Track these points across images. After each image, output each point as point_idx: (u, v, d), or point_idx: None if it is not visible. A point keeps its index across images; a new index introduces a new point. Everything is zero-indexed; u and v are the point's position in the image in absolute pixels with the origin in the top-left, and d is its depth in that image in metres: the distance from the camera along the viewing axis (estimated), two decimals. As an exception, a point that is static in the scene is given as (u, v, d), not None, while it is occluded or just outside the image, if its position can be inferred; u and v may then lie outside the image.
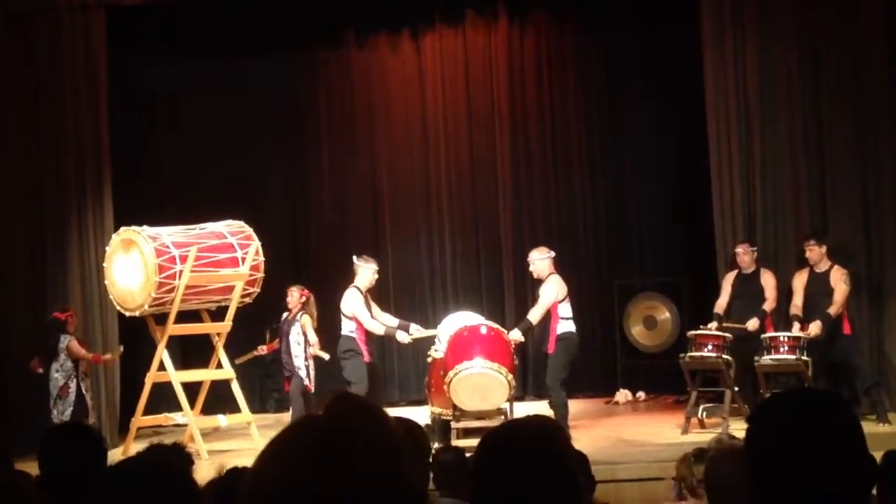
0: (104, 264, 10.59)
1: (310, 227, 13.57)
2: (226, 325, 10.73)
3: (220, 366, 10.81)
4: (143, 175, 12.86)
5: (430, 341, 10.22)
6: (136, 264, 10.22)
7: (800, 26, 10.81)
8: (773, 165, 10.81)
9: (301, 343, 10.35)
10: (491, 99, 13.30)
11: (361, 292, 10.09)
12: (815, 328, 9.78)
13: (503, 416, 9.37)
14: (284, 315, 10.63)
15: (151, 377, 10.51)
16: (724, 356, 9.80)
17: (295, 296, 10.52)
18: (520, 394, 11.58)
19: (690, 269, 12.75)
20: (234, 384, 10.74)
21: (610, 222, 13.39)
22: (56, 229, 11.37)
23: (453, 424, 9.54)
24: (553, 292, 9.85)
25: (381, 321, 10.21)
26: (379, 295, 11.01)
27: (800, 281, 10.25)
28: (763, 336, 9.91)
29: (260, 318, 11.64)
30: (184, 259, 10.20)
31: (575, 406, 10.80)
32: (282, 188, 13.49)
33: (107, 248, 10.61)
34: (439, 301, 13.15)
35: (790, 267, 10.56)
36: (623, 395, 12.69)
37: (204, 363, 10.98)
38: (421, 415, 9.67)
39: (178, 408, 10.48)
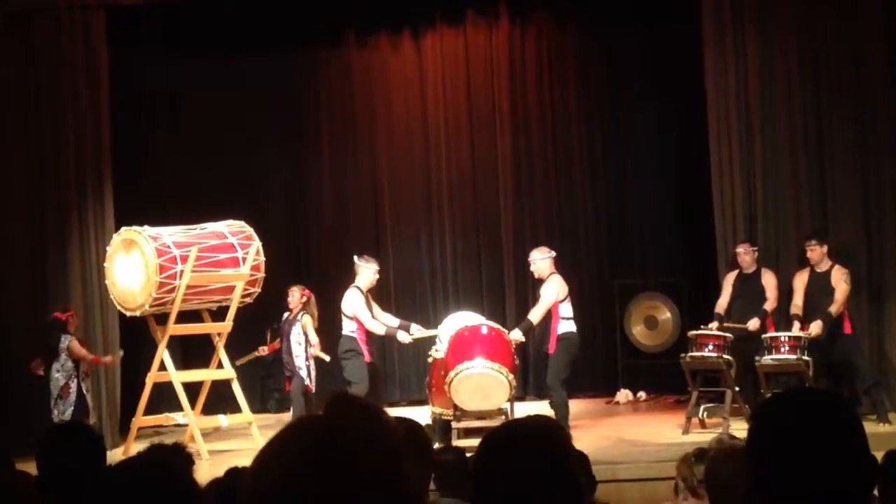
0: (105, 264, 10.59)
1: (310, 227, 13.57)
2: (226, 325, 10.73)
3: (220, 366, 10.81)
4: (143, 175, 12.85)
5: (430, 341, 10.22)
6: (136, 264, 10.22)
7: (800, 26, 10.81)
8: (774, 165, 10.81)
9: (302, 343, 10.35)
10: (492, 99, 13.30)
11: (362, 292, 10.09)
12: (815, 327, 9.78)
13: (504, 417, 9.37)
14: (285, 315, 10.63)
15: (152, 377, 10.51)
16: (725, 356, 9.80)
17: (296, 296, 10.52)
18: (520, 394, 11.58)
19: (691, 269, 12.75)
20: (235, 384, 10.74)
21: (611, 222, 13.39)
22: (57, 229, 11.36)
23: (454, 424, 9.54)
24: (554, 292, 9.85)
25: (382, 321, 10.20)
26: (380, 295, 11.01)
27: (800, 280, 10.25)
28: (764, 336, 9.91)
29: (261, 318, 11.64)
30: (185, 259, 10.20)
31: (576, 406, 10.81)
32: (282, 188, 13.49)
33: (107, 248, 10.61)
34: (440, 301, 13.16)
35: (791, 267, 10.56)
36: (624, 395, 12.68)
37: (205, 363, 10.98)
38: (422, 415, 9.66)
39: (179, 408, 10.48)
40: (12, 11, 11.40)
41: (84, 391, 10.27)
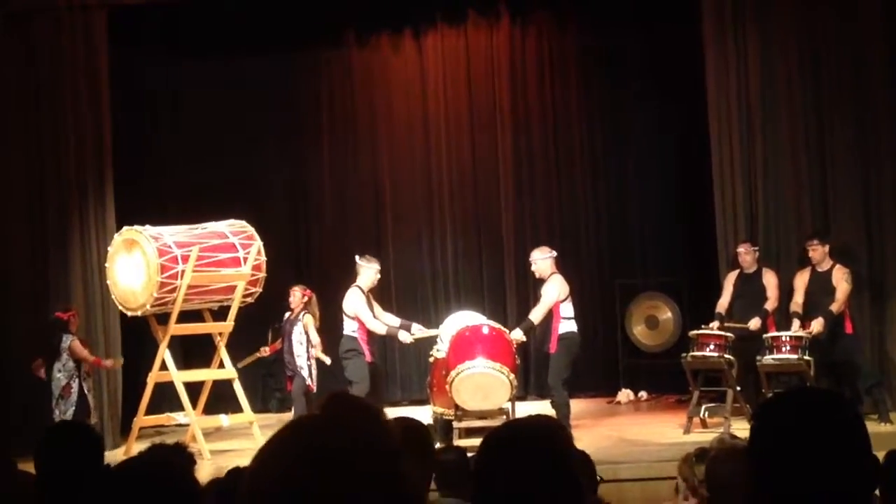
0: (106, 264, 10.59)
1: (311, 226, 13.57)
2: (228, 325, 10.73)
3: (222, 365, 10.81)
4: (144, 175, 12.84)
5: (431, 341, 10.22)
6: (138, 264, 10.22)
7: (800, 26, 10.81)
8: (775, 165, 10.81)
9: (303, 343, 10.35)
10: (493, 99, 13.30)
11: (363, 292, 10.09)
12: (817, 325, 9.78)
13: (505, 416, 9.37)
14: (287, 315, 10.64)
15: (153, 377, 10.52)
16: (726, 356, 9.79)
17: (297, 296, 10.53)
18: (521, 393, 11.58)
19: (692, 268, 12.74)
20: (237, 384, 10.74)
21: (612, 222, 13.39)
22: (58, 229, 11.36)
23: (455, 424, 9.54)
24: (555, 292, 9.85)
25: (383, 321, 10.20)
26: (381, 295, 11.01)
27: (801, 280, 10.25)
28: (765, 336, 9.90)
29: (262, 318, 11.65)
30: (186, 259, 10.20)
31: (577, 406, 10.81)
32: (283, 188, 13.50)
33: (109, 248, 10.61)
34: (441, 301, 13.16)
35: (792, 266, 10.56)
36: (625, 394, 12.68)
37: (206, 363, 10.98)
38: (423, 414, 9.64)
39: (180, 408, 10.48)
40: (12, 11, 11.39)
41: (85, 391, 10.28)
